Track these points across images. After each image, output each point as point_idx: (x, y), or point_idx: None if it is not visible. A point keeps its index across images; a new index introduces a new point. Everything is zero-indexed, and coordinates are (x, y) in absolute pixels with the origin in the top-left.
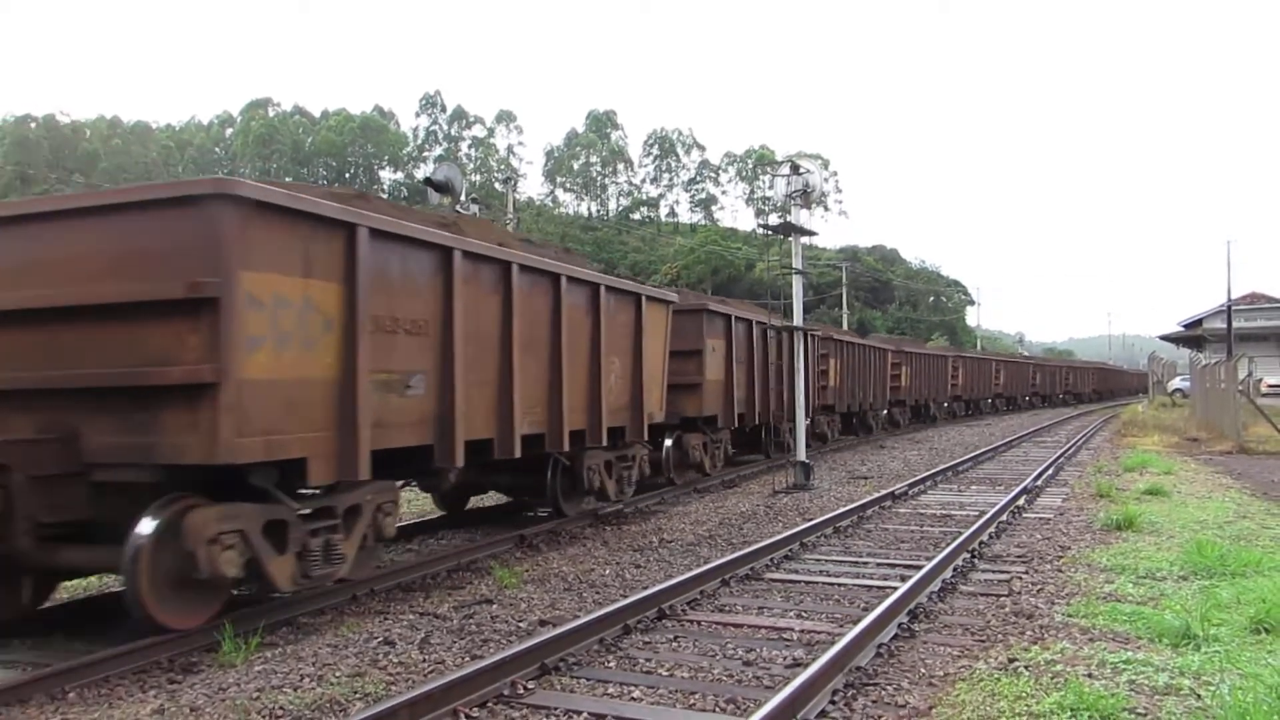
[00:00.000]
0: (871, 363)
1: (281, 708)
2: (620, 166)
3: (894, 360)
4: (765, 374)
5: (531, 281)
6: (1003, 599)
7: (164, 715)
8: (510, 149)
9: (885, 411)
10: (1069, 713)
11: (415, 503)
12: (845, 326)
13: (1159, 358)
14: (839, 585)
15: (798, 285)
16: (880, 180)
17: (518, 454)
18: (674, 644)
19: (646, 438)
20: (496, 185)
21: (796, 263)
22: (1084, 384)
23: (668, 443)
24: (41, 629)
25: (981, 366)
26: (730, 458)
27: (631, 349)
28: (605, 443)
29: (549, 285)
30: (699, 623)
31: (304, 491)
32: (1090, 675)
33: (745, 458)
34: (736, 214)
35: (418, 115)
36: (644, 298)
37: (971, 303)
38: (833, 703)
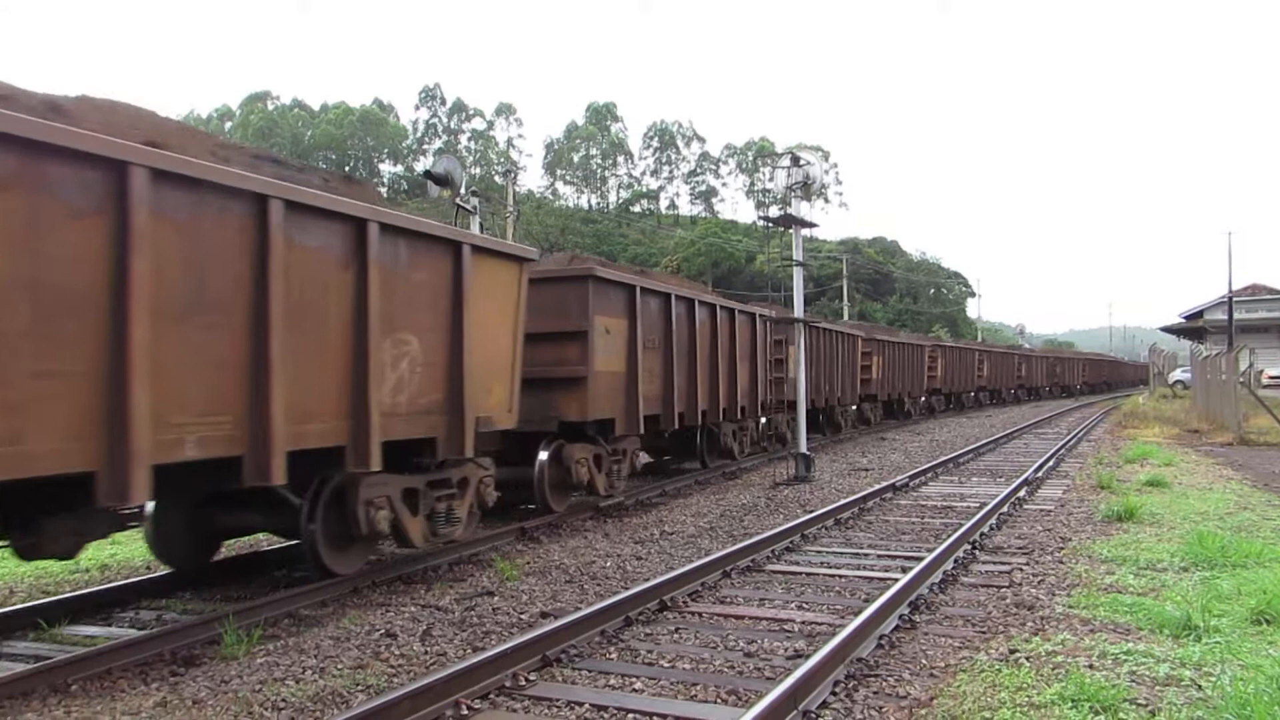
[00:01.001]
0: (838, 352)
1: (284, 700)
2: (620, 159)
3: (864, 349)
4: (692, 364)
5: (195, 203)
6: (1003, 590)
7: (166, 708)
8: (510, 142)
9: (854, 407)
10: (1070, 703)
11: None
12: (846, 318)
13: (1160, 349)
14: (840, 577)
15: (798, 277)
16: (881, 172)
17: (139, 500)
18: (675, 635)
19: (472, 451)
20: (496, 178)
21: (797, 255)
22: (1074, 376)
23: (543, 456)
24: None
25: (963, 358)
26: (655, 468)
27: (446, 324)
28: (379, 465)
29: (247, 214)
30: (700, 614)
31: None
32: (1091, 666)
33: (681, 466)
34: (737, 206)
35: (417, 108)
36: (467, 248)
37: (972, 294)
38: (834, 694)
